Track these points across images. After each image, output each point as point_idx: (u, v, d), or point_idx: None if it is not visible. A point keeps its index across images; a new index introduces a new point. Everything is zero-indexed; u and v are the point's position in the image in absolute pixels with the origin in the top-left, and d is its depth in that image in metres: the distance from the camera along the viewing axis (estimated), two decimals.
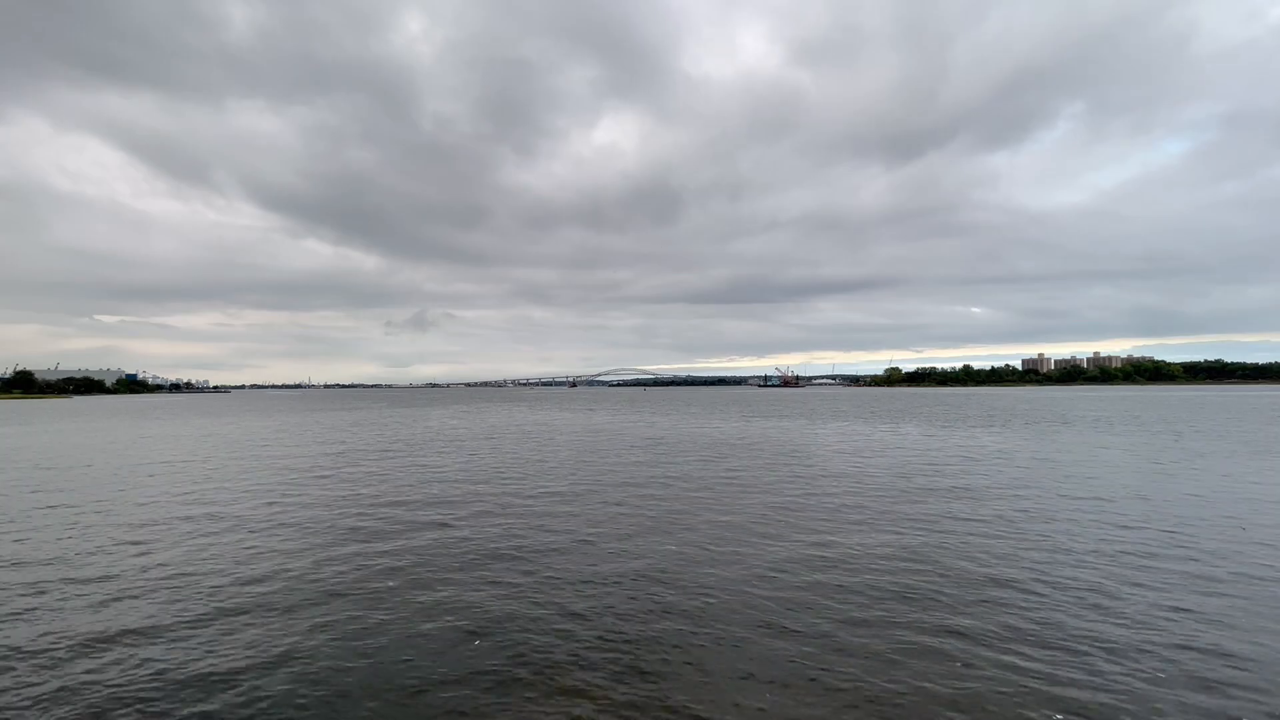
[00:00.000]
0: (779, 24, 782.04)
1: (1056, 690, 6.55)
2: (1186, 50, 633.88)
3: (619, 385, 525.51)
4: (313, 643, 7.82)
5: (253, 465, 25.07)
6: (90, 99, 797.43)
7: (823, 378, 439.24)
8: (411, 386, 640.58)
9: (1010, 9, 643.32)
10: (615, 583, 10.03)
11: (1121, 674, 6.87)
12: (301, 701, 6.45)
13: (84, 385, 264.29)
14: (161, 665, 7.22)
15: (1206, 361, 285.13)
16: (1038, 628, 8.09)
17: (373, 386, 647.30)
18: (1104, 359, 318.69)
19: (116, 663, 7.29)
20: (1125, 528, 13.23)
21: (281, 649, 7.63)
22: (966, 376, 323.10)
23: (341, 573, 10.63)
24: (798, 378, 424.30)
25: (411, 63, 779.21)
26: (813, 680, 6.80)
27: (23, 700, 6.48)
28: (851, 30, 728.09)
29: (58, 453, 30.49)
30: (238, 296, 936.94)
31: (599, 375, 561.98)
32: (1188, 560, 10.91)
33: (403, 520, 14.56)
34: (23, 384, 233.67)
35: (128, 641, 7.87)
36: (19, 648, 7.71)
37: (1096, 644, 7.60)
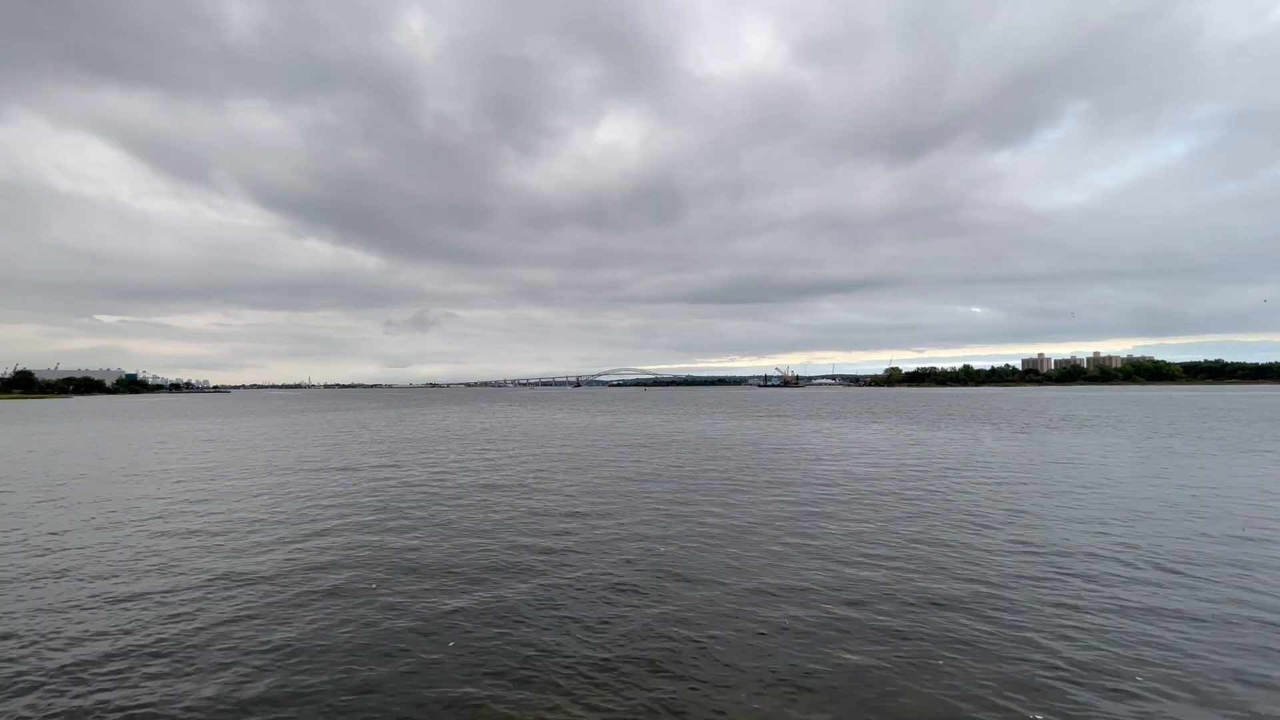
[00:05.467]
0: (783, 22, 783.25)
1: (1042, 689, 6.50)
2: (1192, 48, 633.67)
3: (619, 385, 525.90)
4: (300, 648, 7.77)
5: (225, 471, 25.00)
6: (90, 98, 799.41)
7: (823, 378, 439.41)
8: (411, 386, 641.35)
9: (1016, 7, 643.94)
10: (614, 586, 9.99)
11: (1109, 674, 6.83)
12: (292, 704, 6.40)
13: (84, 385, 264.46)
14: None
15: (1207, 361, 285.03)
16: (1024, 627, 8.03)
17: (372, 386, 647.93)
18: (1104, 359, 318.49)
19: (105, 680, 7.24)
20: (1115, 526, 13.20)
21: (268, 655, 7.58)
22: (966, 376, 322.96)
23: (330, 581, 10.58)
24: (798, 378, 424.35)
25: (413, 61, 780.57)
26: (805, 678, 6.74)
27: None
28: (856, 29, 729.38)
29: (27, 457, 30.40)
30: (238, 296, 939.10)
31: (599, 375, 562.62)
32: (1187, 561, 10.86)
33: (386, 526, 14.52)
34: (23, 384, 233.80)
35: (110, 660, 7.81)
36: None
37: (1082, 643, 7.56)
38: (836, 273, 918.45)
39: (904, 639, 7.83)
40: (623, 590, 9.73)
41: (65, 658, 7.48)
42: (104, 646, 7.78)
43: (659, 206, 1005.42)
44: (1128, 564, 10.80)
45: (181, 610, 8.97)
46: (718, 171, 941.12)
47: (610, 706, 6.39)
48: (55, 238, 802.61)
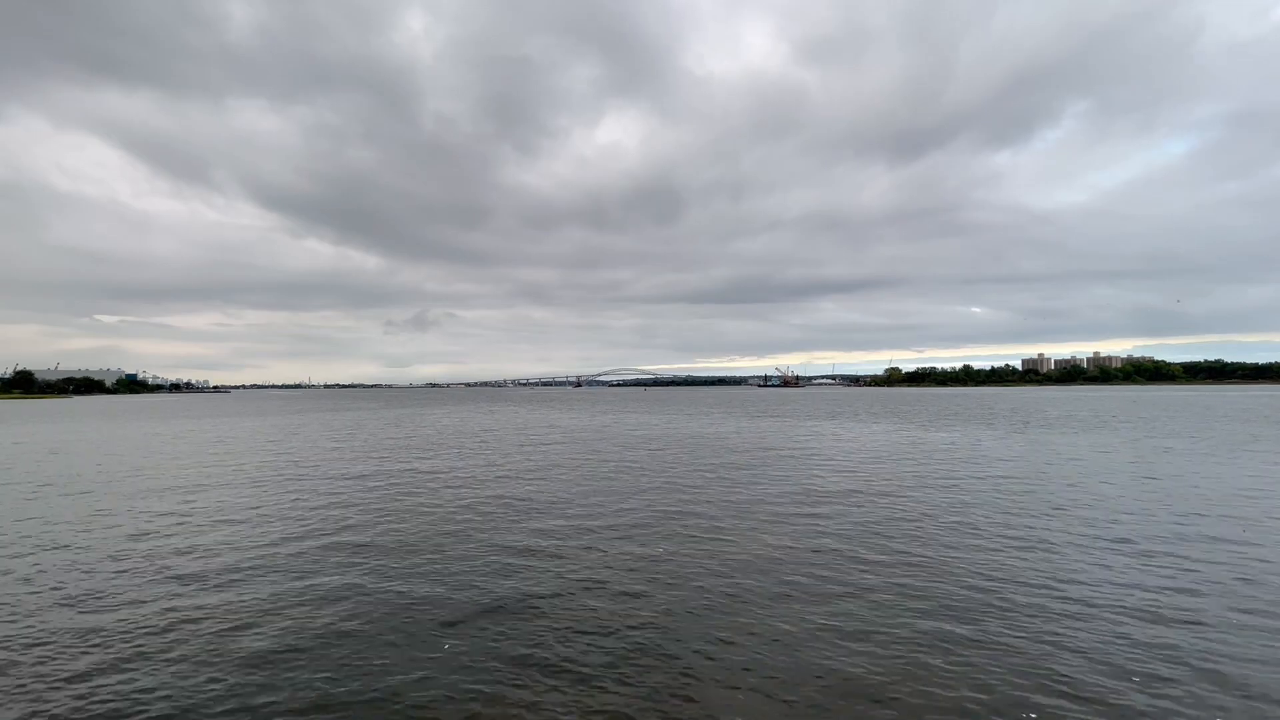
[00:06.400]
0: (784, 22, 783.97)
1: (1036, 690, 6.59)
2: (1192, 48, 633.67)
3: (619, 385, 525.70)
4: (286, 646, 7.86)
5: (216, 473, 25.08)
6: (90, 98, 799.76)
7: (823, 378, 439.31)
8: (411, 386, 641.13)
9: (1016, 7, 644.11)
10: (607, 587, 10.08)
11: (1104, 678, 6.92)
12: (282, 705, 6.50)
13: (84, 385, 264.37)
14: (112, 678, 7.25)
15: (1207, 361, 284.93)
16: (1019, 630, 8.11)
17: (372, 386, 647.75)
18: (1104, 359, 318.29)
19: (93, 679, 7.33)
20: (1115, 526, 13.28)
21: (257, 653, 7.66)
22: (966, 376, 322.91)
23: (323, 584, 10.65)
24: (798, 378, 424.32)
25: (413, 61, 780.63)
26: (802, 683, 6.84)
27: None
28: (857, 29, 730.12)
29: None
30: (238, 296, 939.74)
31: (599, 375, 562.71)
32: (1187, 563, 10.94)
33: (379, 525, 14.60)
34: (23, 384, 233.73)
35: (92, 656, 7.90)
36: None
37: (1077, 646, 7.64)
38: (836, 273, 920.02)
39: (898, 641, 7.91)
40: (619, 594, 9.81)
41: (25, 673, 7.59)
42: (73, 657, 7.87)
43: (659, 206, 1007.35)
44: (1124, 566, 10.88)
45: (167, 619, 9.05)
46: (718, 171, 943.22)
47: (605, 711, 6.50)
48: (55, 238, 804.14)
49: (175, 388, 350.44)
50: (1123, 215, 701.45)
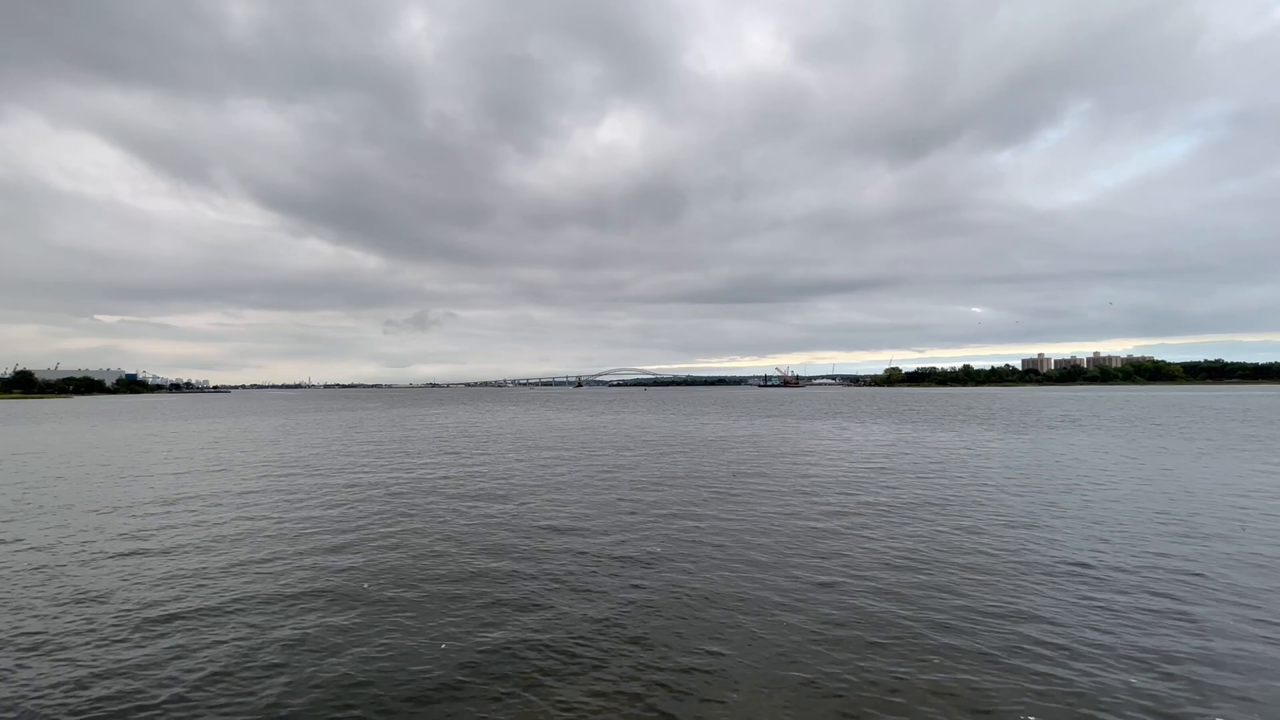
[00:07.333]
0: (786, 21, 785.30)
1: (1033, 691, 6.53)
2: (1194, 48, 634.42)
3: (619, 385, 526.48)
4: (289, 648, 7.80)
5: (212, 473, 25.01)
6: (90, 97, 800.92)
7: (823, 378, 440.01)
8: (411, 386, 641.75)
9: (1018, 6, 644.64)
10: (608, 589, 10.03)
11: (1098, 676, 6.87)
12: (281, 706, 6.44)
13: (84, 385, 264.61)
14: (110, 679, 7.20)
15: (1207, 361, 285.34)
16: (1015, 628, 8.04)
17: (372, 386, 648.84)
18: (1104, 359, 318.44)
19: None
20: (1113, 526, 13.21)
21: (255, 659, 7.61)
22: (966, 376, 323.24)
23: (318, 581, 10.61)
24: (798, 378, 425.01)
25: (414, 60, 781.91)
26: (797, 679, 6.78)
27: None
28: (859, 27, 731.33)
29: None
30: (238, 296, 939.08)
31: (599, 375, 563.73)
32: (1185, 562, 10.86)
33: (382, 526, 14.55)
34: (23, 384, 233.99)
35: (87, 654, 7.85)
36: None
37: (1077, 645, 7.59)
38: (838, 272, 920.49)
39: (894, 641, 7.85)
40: (615, 598, 9.75)
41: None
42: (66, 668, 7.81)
43: (660, 206, 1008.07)
44: (1125, 568, 10.80)
45: (145, 646, 8.99)
46: (719, 171, 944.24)
47: (601, 711, 6.45)
48: (55, 238, 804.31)
49: (175, 388, 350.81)
50: (1125, 215, 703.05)
